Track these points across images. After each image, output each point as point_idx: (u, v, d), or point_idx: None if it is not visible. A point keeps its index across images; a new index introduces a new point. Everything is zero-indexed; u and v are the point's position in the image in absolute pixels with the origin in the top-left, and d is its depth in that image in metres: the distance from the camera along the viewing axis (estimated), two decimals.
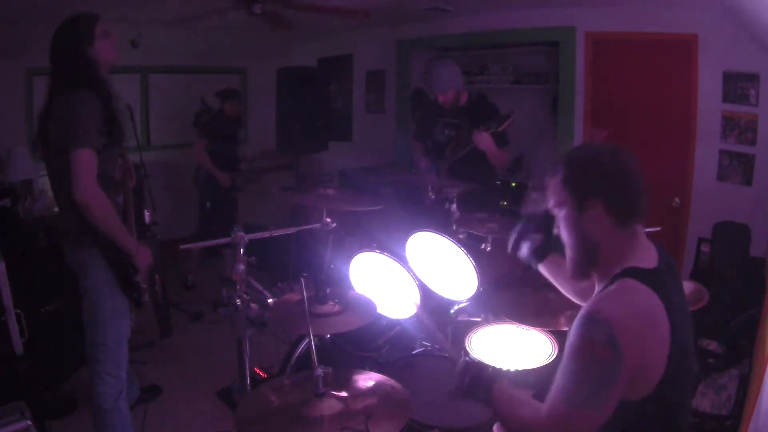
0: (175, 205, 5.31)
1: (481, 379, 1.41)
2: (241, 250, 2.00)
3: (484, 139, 3.00)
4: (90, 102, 2.02)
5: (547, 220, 1.69)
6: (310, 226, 2.46)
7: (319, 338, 2.20)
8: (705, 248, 3.31)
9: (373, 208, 2.60)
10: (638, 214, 1.28)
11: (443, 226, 2.48)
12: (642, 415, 1.20)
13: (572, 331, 1.19)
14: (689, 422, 1.31)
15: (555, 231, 1.39)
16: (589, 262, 1.32)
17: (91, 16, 2.12)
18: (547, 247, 1.74)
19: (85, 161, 1.97)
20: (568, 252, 1.36)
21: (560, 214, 1.34)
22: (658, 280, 1.21)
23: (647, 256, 1.27)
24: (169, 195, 5.26)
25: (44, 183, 4.17)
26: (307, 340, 1.60)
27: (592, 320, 1.15)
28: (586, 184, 1.27)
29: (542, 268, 1.75)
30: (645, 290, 1.18)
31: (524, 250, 1.76)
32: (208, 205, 4.64)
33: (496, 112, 3.23)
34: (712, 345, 2.66)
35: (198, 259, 4.80)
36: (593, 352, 1.13)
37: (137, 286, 2.26)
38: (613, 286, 1.21)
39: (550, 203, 1.36)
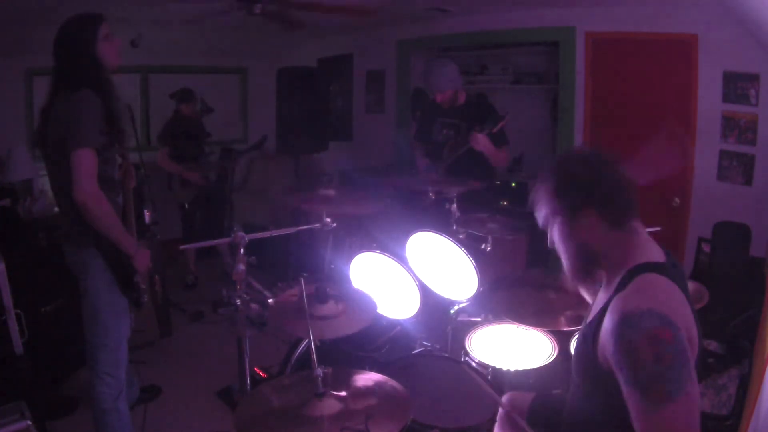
0: (175, 205, 5.30)
1: None
2: (241, 250, 2.00)
3: (480, 140, 3.01)
4: (90, 102, 2.02)
5: None
6: (310, 226, 2.46)
7: (319, 338, 2.19)
8: (705, 248, 3.30)
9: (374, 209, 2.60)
10: (631, 211, 1.27)
11: (443, 226, 2.48)
12: None
13: (613, 340, 1.11)
14: None
15: (549, 242, 1.37)
16: (589, 266, 1.31)
17: (96, 16, 2.11)
18: None
19: (86, 161, 1.97)
20: (564, 261, 1.35)
21: (553, 224, 1.33)
22: (671, 272, 1.20)
23: (654, 252, 1.26)
24: (170, 195, 5.26)
25: (44, 183, 4.17)
26: (307, 340, 1.60)
27: (632, 317, 1.10)
28: (576, 195, 1.27)
29: None
30: (665, 281, 1.17)
31: None
32: (186, 206, 4.62)
33: (494, 112, 3.23)
34: (712, 345, 2.66)
35: (194, 260, 4.79)
36: (653, 340, 1.06)
37: (137, 286, 2.25)
38: (632, 285, 1.18)
39: (543, 212, 1.33)
